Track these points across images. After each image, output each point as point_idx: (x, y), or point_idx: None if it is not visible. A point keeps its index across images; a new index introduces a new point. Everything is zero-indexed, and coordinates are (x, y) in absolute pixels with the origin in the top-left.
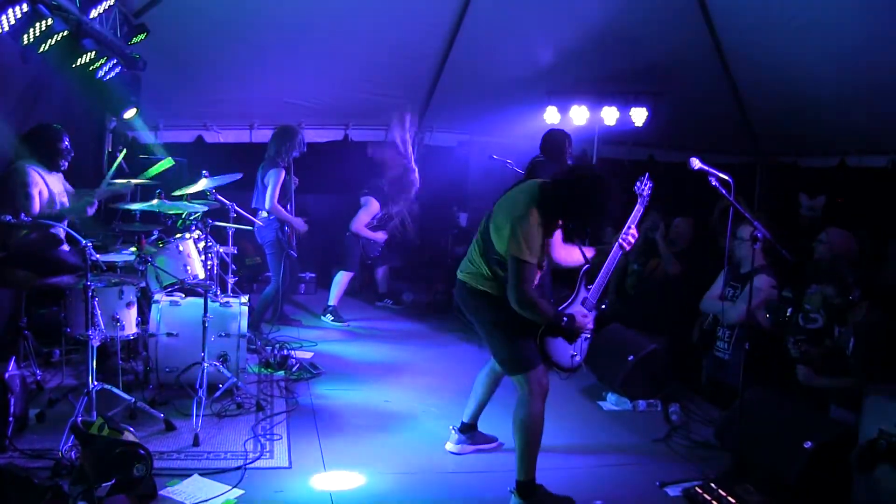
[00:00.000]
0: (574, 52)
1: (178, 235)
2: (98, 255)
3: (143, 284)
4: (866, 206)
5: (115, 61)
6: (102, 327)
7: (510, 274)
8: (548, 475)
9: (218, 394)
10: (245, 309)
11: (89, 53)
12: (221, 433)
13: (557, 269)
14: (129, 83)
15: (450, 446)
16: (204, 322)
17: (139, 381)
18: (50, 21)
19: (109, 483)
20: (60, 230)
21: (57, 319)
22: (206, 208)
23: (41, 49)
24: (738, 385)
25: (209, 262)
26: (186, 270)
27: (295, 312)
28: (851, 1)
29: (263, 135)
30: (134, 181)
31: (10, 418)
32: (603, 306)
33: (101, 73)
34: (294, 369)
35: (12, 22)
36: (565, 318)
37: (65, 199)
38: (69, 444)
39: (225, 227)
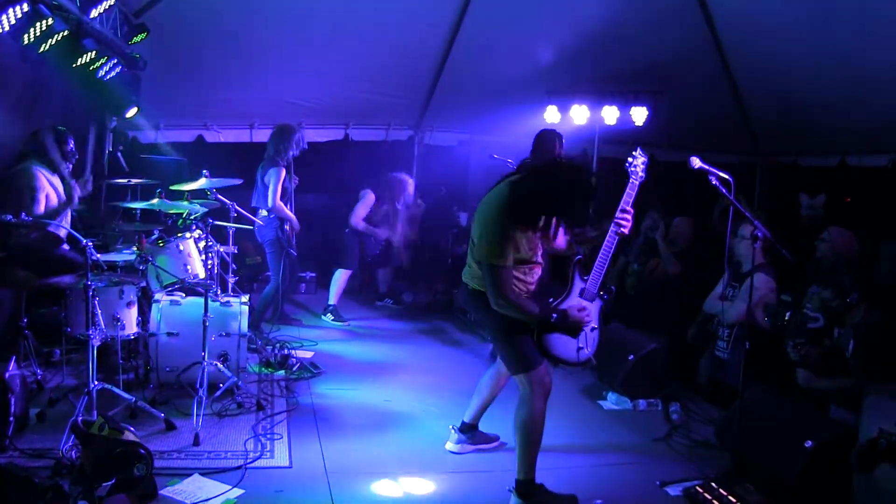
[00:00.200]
0: (574, 51)
1: (179, 235)
2: (98, 255)
3: (143, 284)
4: (867, 205)
5: (115, 61)
6: (103, 327)
7: (486, 280)
8: (548, 474)
9: (218, 393)
10: (245, 308)
11: (89, 53)
12: (222, 433)
13: (556, 260)
14: (130, 83)
15: (450, 446)
16: (204, 321)
17: (139, 380)
18: (50, 21)
19: (110, 482)
20: (61, 230)
21: (57, 319)
22: (205, 209)
23: (41, 49)
24: (738, 384)
25: (210, 262)
26: (187, 270)
27: (295, 312)
28: (852, 0)
29: (264, 134)
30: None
31: (11, 418)
32: (605, 295)
33: (101, 73)
34: (294, 369)
35: (13, 21)
36: (555, 315)
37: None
38: (69, 443)
39: (225, 227)
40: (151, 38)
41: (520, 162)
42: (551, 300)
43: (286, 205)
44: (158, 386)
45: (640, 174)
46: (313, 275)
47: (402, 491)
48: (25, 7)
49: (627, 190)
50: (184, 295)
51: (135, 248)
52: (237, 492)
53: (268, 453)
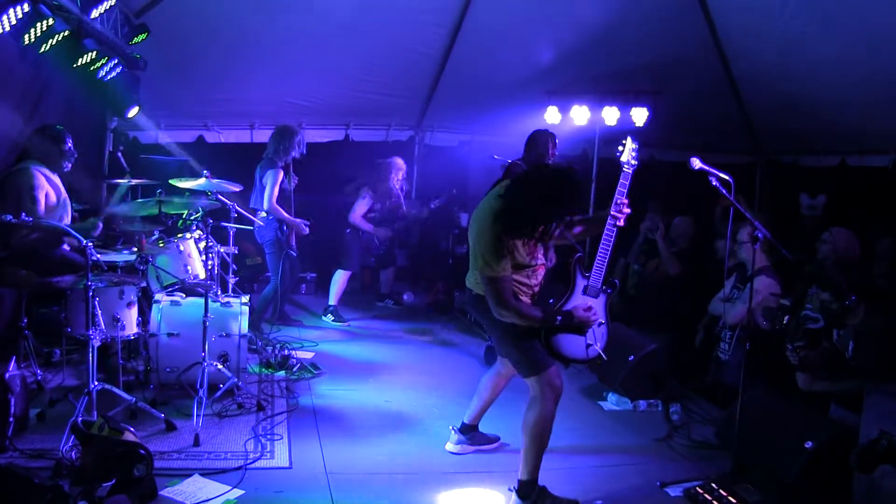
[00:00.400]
0: (574, 51)
1: (179, 235)
2: (99, 255)
3: (143, 284)
4: (867, 205)
5: (115, 61)
6: (103, 327)
7: (486, 291)
8: (549, 475)
9: (218, 394)
10: (246, 309)
11: (90, 53)
12: (222, 433)
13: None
14: (130, 83)
15: (450, 446)
16: (204, 322)
17: (140, 380)
18: (51, 21)
19: (110, 483)
20: (61, 228)
21: (57, 319)
22: (200, 211)
23: (42, 49)
24: (739, 385)
25: (210, 262)
26: (187, 270)
27: (296, 312)
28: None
29: (264, 135)
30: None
31: (11, 418)
32: (609, 290)
33: (101, 73)
34: (295, 369)
35: (13, 22)
36: (559, 318)
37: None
38: (70, 444)
39: (226, 227)
40: (152, 38)
41: (508, 163)
42: (551, 300)
43: (286, 206)
44: (159, 386)
45: (633, 162)
46: (314, 275)
47: (402, 491)
48: (26, 7)
49: (621, 180)
50: (184, 295)
51: (135, 249)
52: (237, 492)
53: (268, 454)
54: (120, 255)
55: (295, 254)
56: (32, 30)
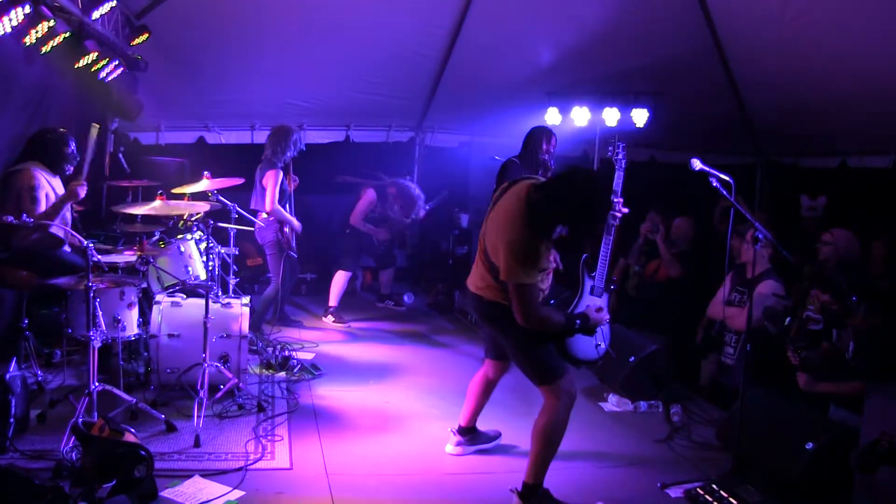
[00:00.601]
0: (575, 52)
1: (180, 236)
2: (99, 256)
3: (144, 285)
4: (868, 206)
5: (116, 62)
6: (104, 328)
7: (513, 299)
8: (549, 476)
9: (219, 395)
10: (246, 310)
11: (91, 54)
12: (222, 434)
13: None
14: (131, 84)
15: (450, 448)
16: (205, 323)
17: (140, 381)
18: (52, 22)
19: (110, 484)
20: (62, 231)
21: (58, 320)
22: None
23: (43, 50)
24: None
25: (210, 263)
26: (188, 271)
27: (296, 313)
28: (853, 0)
29: (265, 135)
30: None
31: (11, 419)
32: (612, 286)
33: (102, 75)
34: (295, 370)
35: (14, 23)
36: (578, 322)
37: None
38: (70, 444)
39: (226, 228)
40: (153, 39)
41: (506, 160)
42: (553, 301)
43: (285, 206)
44: (159, 387)
45: (622, 161)
46: (314, 276)
47: (403, 492)
48: (28, 9)
49: (614, 182)
50: (185, 296)
51: (136, 250)
52: (238, 493)
53: (268, 455)
54: (121, 256)
55: (295, 255)
56: (34, 31)
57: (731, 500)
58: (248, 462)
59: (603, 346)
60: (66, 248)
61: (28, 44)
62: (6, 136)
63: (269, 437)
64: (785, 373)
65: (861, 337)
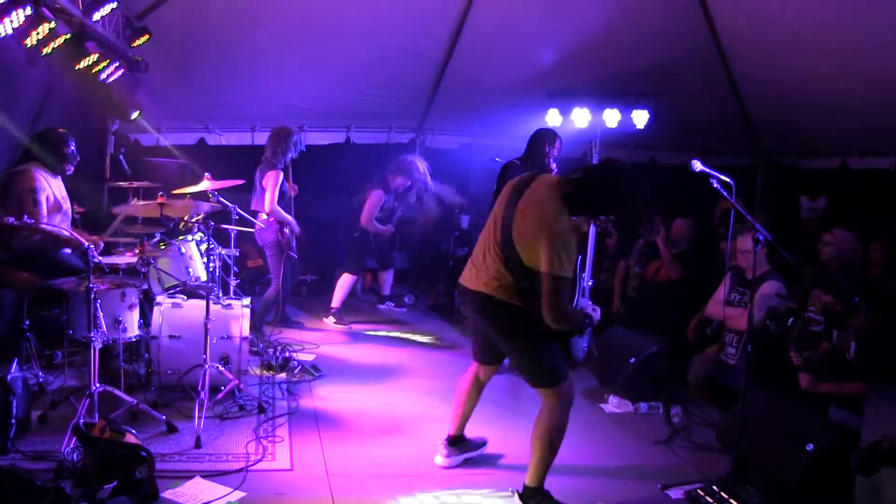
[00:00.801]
0: (575, 54)
1: (181, 238)
2: (100, 257)
3: (145, 286)
4: (868, 208)
5: (117, 63)
6: (105, 329)
7: (547, 292)
8: (549, 477)
9: (220, 396)
10: (247, 311)
11: (92, 56)
12: (223, 435)
13: None
14: (132, 85)
15: (439, 460)
16: (206, 324)
17: (141, 383)
18: (53, 24)
19: (111, 485)
20: (63, 232)
21: (59, 321)
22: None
23: (44, 52)
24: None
25: (211, 265)
26: (188, 272)
27: (297, 314)
28: (854, 1)
29: (265, 137)
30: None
31: (13, 420)
32: (596, 285)
33: (103, 76)
34: (296, 371)
35: (16, 25)
36: (587, 320)
37: (66, 204)
38: (71, 446)
39: (227, 230)
40: (153, 40)
41: (507, 162)
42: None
43: (285, 208)
44: (160, 388)
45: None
46: (314, 277)
47: (403, 493)
48: (29, 10)
49: None
50: (185, 297)
51: (136, 251)
52: (238, 494)
53: (269, 456)
54: (122, 258)
55: (296, 256)
56: (35, 32)
57: (732, 501)
58: (249, 463)
59: (585, 346)
60: (67, 250)
61: (29, 45)
62: (7, 138)
63: (269, 439)
64: (786, 373)
65: (862, 338)
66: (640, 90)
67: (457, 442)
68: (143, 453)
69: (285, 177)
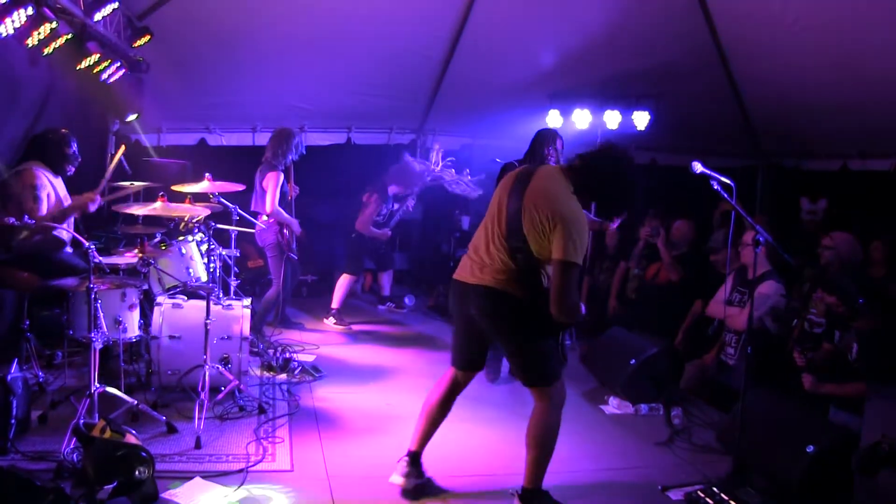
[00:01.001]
0: (576, 55)
1: (181, 238)
2: (101, 258)
3: (145, 287)
4: (868, 209)
5: (118, 64)
6: (105, 329)
7: (559, 281)
8: (549, 478)
9: (220, 396)
10: (247, 312)
11: (93, 56)
12: (223, 436)
13: None
14: (133, 85)
15: (396, 479)
16: (206, 325)
17: (141, 383)
18: (54, 24)
19: (111, 485)
20: (64, 232)
21: (59, 321)
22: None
23: (46, 52)
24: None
25: (212, 265)
26: (189, 273)
27: (297, 315)
28: (854, 2)
29: (266, 137)
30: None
31: (13, 420)
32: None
33: (104, 76)
34: (296, 372)
35: (17, 25)
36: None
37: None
38: (71, 446)
39: (227, 230)
40: (155, 41)
41: (507, 163)
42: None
43: (285, 209)
44: (160, 389)
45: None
46: (314, 278)
47: (402, 494)
48: (30, 10)
49: None
50: (186, 298)
51: (137, 251)
52: (239, 495)
53: (269, 457)
54: (122, 258)
55: (296, 257)
56: (36, 32)
57: (732, 502)
58: (249, 464)
59: (569, 343)
60: (68, 250)
61: (30, 45)
62: (8, 137)
63: (269, 439)
64: (786, 374)
65: (864, 339)
66: (640, 91)
67: (416, 462)
68: (143, 454)
69: (286, 178)
